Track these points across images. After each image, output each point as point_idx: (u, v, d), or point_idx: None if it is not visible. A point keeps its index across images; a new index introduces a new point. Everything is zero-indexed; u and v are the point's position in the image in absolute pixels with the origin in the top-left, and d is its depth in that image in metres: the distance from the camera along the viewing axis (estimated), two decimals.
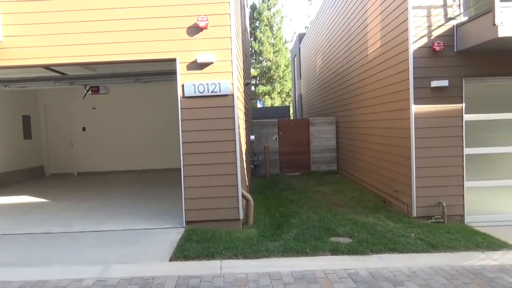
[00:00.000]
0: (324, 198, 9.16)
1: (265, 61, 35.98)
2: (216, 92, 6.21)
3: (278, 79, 35.33)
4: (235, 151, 6.30)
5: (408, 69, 6.87)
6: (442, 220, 6.78)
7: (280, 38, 35.67)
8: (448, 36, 6.76)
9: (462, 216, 6.93)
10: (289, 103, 34.66)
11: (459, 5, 6.69)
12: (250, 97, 15.15)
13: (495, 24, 5.58)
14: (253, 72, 34.86)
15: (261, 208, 7.89)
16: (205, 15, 6.10)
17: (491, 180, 7.04)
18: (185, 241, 5.65)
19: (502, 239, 5.87)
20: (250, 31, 35.15)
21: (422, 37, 6.79)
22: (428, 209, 6.90)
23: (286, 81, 35.10)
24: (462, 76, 6.79)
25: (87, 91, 10.99)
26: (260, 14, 35.12)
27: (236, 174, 6.30)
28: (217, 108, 6.27)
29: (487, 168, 7.05)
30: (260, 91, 35.33)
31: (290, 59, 32.88)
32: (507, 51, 6.56)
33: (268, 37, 34.97)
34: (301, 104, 23.06)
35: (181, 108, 6.29)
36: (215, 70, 6.22)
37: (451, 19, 6.74)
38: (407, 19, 6.85)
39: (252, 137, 11.64)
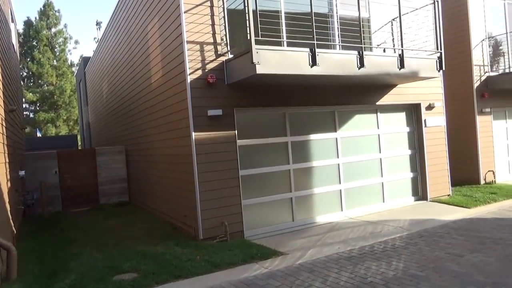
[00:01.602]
0: (113, 232, 8.54)
1: (47, 85, 32.00)
2: None
3: (63, 105, 31.82)
4: None
5: (187, 98, 7.23)
6: (226, 238, 7.27)
7: (64, 61, 32.44)
8: (220, 70, 7.45)
9: (242, 232, 7.60)
10: (78, 131, 31.68)
11: (227, 44, 7.51)
12: (21, 125, 13.01)
13: (253, 63, 6.50)
14: (31, 97, 30.46)
15: (32, 256, 6.71)
16: None
17: (262, 197, 8.03)
18: None
19: (272, 248, 6.71)
20: (25, 50, 30.77)
21: (198, 69, 7.27)
22: (213, 230, 7.27)
23: (73, 107, 31.94)
24: (233, 106, 7.58)
25: None
26: (38, 32, 31.16)
27: None
28: None
29: (258, 187, 8.02)
30: (41, 118, 30.99)
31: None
32: (265, 85, 7.72)
33: (49, 58, 31.28)
34: (89, 133, 21.38)
35: None
36: None
37: (221, 55, 7.48)
38: (183, 52, 7.23)
39: (22, 172, 9.91)
